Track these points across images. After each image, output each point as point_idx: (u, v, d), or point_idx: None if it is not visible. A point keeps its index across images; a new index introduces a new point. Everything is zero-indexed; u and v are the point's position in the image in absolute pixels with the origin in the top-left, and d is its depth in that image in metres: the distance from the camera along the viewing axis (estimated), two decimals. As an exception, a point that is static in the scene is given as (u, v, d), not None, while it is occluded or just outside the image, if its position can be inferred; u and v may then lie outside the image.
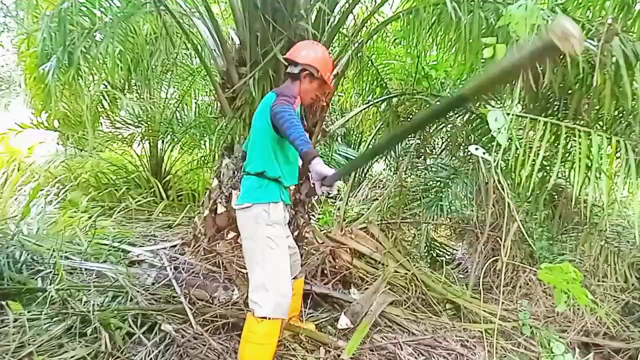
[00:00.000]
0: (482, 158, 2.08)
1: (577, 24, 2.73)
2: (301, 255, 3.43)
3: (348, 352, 2.39)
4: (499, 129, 1.96)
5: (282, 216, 2.19)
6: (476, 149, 2.07)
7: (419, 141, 4.84)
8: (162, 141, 6.58)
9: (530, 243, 3.43)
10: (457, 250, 5.02)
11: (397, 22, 4.19)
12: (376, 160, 4.18)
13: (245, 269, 3.09)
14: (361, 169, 6.10)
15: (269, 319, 1.98)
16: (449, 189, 4.32)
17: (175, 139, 6.55)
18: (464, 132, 4.16)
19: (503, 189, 2.07)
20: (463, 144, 4.27)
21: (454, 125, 4.25)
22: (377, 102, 4.88)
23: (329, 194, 1.98)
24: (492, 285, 3.59)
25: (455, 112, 4.20)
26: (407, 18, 3.70)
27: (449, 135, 4.60)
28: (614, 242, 3.60)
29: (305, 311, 2.91)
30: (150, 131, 6.34)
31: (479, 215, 4.12)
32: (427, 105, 4.36)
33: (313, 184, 1.91)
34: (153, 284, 3.02)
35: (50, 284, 2.75)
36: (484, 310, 3.15)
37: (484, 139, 3.94)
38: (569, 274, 1.90)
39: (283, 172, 2.19)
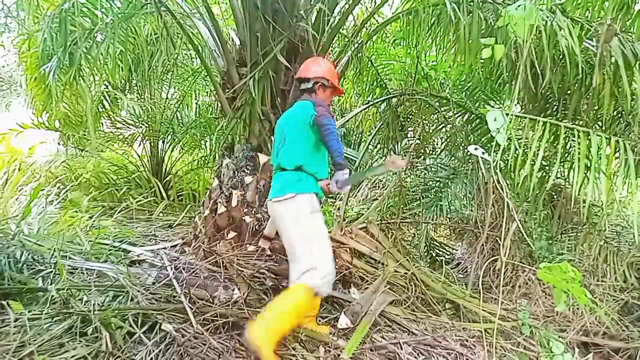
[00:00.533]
0: (481, 158, 2.10)
1: (577, 24, 2.75)
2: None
3: (348, 351, 2.40)
4: (497, 129, 1.97)
5: (319, 206, 2.43)
6: (475, 149, 2.08)
7: (418, 141, 4.85)
8: (163, 141, 6.59)
9: (529, 243, 3.43)
10: (456, 250, 5.03)
11: (396, 22, 4.20)
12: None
13: (245, 268, 3.12)
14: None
15: (316, 293, 2.25)
16: (448, 189, 4.33)
17: (176, 139, 6.56)
18: (463, 132, 4.17)
19: (502, 189, 2.07)
20: (462, 144, 4.27)
21: (454, 125, 4.26)
22: (376, 102, 4.89)
23: (338, 193, 2.40)
24: (492, 285, 3.59)
25: (455, 111, 4.22)
26: (407, 19, 3.71)
27: (448, 135, 4.61)
28: (614, 241, 3.61)
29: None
30: (151, 131, 6.35)
31: (479, 215, 4.13)
32: (427, 106, 4.38)
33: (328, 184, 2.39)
34: (153, 283, 3.02)
35: (51, 284, 2.76)
36: (484, 310, 3.15)
37: (483, 139, 3.95)
38: (568, 274, 1.91)
39: (318, 168, 2.46)
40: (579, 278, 1.89)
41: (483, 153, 2.15)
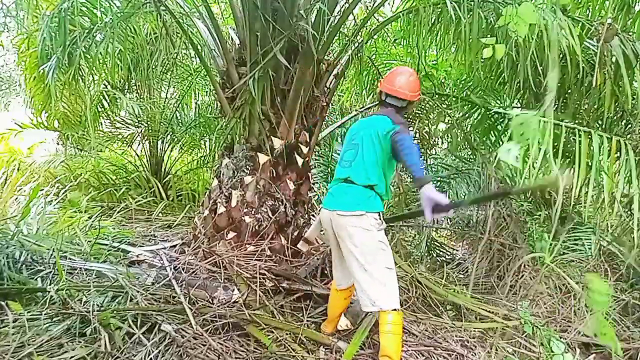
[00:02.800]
0: (509, 163, 2.01)
1: (577, 23, 2.74)
2: (301, 256, 3.44)
3: (348, 355, 2.39)
4: (528, 136, 1.80)
5: (384, 224, 2.40)
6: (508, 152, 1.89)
7: (418, 140, 4.84)
8: (162, 141, 6.59)
9: (530, 243, 3.43)
10: (457, 251, 5.02)
11: (397, 22, 4.19)
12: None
13: (245, 269, 3.11)
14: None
15: (396, 310, 2.25)
16: (450, 189, 4.32)
17: (175, 139, 6.56)
18: (465, 131, 4.17)
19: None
20: (464, 143, 4.27)
21: (457, 124, 4.25)
22: (377, 104, 4.88)
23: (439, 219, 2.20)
24: (493, 285, 3.59)
25: (457, 110, 4.21)
26: (407, 18, 3.70)
27: (450, 134, 4.60)
28: (614, 242, 3.60)
29: (305, 312, 2.90)
30: (150, 131, 6.35)
31: (480, 215, 4.12)
32: (427, 106, 4.37)
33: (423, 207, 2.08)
34: (153, 284, 3.02)
35: (50, 284, 2.75)
36: (485, 310, 3.15)
37: (484, 138, 3.94)
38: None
39: (386, 190, 2.42)
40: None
41: (515, 158, 1.92)
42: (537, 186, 2.60)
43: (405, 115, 2.63)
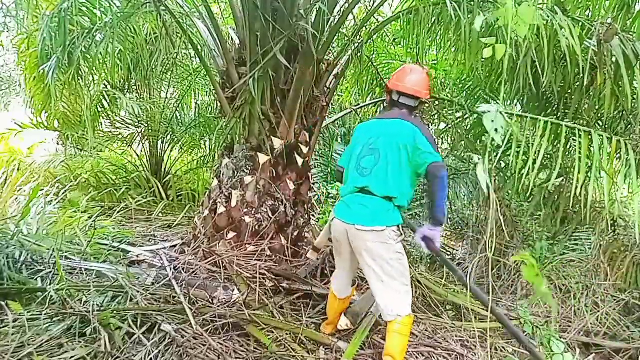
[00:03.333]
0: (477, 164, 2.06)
1: (577, 23, 2.74)
2: (301, 256, 3.44)
3: (348, 356, 2.39)
4: (495, 129, 1.92)
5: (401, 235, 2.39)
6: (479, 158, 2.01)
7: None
8: (162, 141, 6.58)
9: (530, 243, 3.43)
10: (457, 251, 5.02)
11: (396, 22, 4.19)
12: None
13: (245, 269, 3.11)
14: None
15: (409, 314, 2.29)
16: (449, 189, 4.32)
17: (175, 139, 6.56)
18: (462, 132, 4.17)
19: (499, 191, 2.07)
20: (463, 144, 4.26)
21: (454, 126, 4.25)
22: (377, 102, 4.88)
23: (420, 247, 2.35)
24: (493, 285, 3.58)
25: (456, 112, 4.21)
26: (407, 18, 3.70)
27: (449, 135, 4.60)
28: (615, 242, 3.60)
29: (305, 312, 2.90)
30: (150, 131, 6.34)
31: (480, 215, 4.12)
32: (426, 106, 4.36)
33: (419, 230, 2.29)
34: (153, 284, 3.02)
35: (50, 284, 2.75)
36: (484, 310, 3.14)
37: (483, 137, 3.94)
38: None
39: (406, 202, 2.35)
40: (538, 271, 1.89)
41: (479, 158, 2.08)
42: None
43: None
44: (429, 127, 2.40)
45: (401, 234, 2.33)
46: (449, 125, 4.42)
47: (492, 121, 1.98)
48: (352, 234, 2.27)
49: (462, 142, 4.24)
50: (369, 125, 2.51)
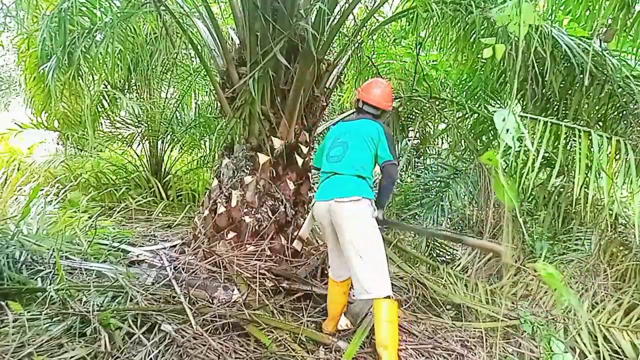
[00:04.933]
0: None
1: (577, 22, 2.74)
2: (301, 256, 3.44)
3: (348, 355, 2.39)
4: (507, 130, 1.90)
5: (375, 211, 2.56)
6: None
7: (418, 141, 4.84)
8: (162, 141, 6.59)
9: (530, 243, 3.42)
10: (457, 250, 5.02)
11: (397, 22, 4.19)
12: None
13: (245, 269, 3.11)
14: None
15: (391, 297, 2.33)
16: (449, 189, 4.32)
17: (175, 139, 6.56)
18: (463, 132, 4.17)
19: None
20: (463, 144, 4.27)
21: (454, 126, 4.25)
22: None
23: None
24: (493, 285, 3.58)
25: (453, 113, 4.22)
26: (407, 18, 3.70)
27: (449, 135, 4.60)
28: (615, 242, 3.60)
29: (305, 312, 2.90)
30: (150, 131, 6.34)
31: (480, 215, 4.12)
32: (428, 107, 4.38)
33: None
34: (153, 284, 3.02)
35: (50, 284, 2.75)
36: (485, 310, 3.15)
37: (483, 137, 3.94)
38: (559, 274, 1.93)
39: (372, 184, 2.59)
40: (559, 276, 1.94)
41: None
42: (484, 246, 2.97)
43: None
44: (391, 131, 2.73)
45: (375, 210, 2.50)
46: (449, 125, 4.42)
47: (503, 120, 1.96)
48: (332, 209, 2.47)
49: (462, 142, 4.24)
50: (337, 126, 2.82)
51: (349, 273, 2.60)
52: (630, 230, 3.61)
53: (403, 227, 3.04)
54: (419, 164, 5.19)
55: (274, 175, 3.42)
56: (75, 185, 5.71)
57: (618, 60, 3.08)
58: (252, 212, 3.35)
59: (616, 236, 3.57)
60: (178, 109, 6.50)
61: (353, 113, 3.30)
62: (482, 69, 3.65)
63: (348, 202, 2.42)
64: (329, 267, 2.81)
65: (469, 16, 2.97)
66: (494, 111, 1.90)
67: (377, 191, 2.57)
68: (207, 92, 6.60)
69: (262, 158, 3.39)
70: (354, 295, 2.99)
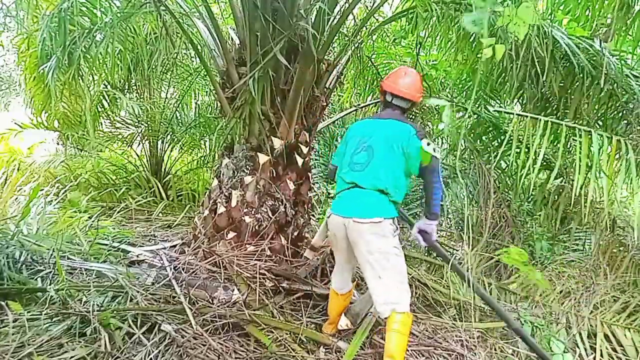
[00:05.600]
0: (433, 155, 2.14)
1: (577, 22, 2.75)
2: (301, 256, 3.44)
3: (348, 356, 2.39)
4: (442, 121, 1.91)
5: (398, 229, 2.40)
6: (428, 144, 2.11)
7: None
8: (162, 141, 6.59)
9: (530, 243, 3.42)
10: (457, 250, 5.02)
11: (397, 22, 4.19)
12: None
13: (245, 269, 3.11)
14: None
15: (408, 312, 2.25)
16: (449, 189, 4.32)
17: (175, 139, 6.56)
18: (463, 131, 4.16)
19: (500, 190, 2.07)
20: (463, 144, 4.27)
21: (454, 126, 4.25)
22: (377, 102, 4.88)
23: (417, 241, 2.45)
24: (493, 285, 3.59)
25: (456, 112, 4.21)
26: (407, 18, 3.70)
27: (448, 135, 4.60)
28: (615, 242, 3.60)
29: (305, 312, 2.91)
30: (150, 131, 6.35)
31: (480, 215, 4.12)
32: (426, 107, 4.37)
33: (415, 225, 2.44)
34: (153, 284, 3.02)
35: (50, 284, 2.75)
36: (484, 309, 3.15)
37: (484, 137, 3.94)
38: (523, 257, 2.06)
39: (401, 197, 2.42)
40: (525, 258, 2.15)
41: (434, 150, 2.22)
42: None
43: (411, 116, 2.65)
44: (424, 128, 2.51)
45: (397, 228, 2.34)
46: (449, 125, 4.41)
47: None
48: (350, 227, 2.30)
49: (462, 142, 4.24)
50: (363, 124, 2.58)
51: (350, 285, 2.62)
52: (630, 230, 3.61)
53: (445, 258, 2.73)
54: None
55: (274, 175, 3.42)
56: (75, 185, 5.71)
57: (618, 59, 3.08)
58: (252, 212, 3.35)
59: (615, 237, 3.57)
60: (178, 109, 6.51)
61: (377, 105, 3.13)
62: (482, 68, 3.65)
63: (368, 223, 2.25)
64: (331, 271, 2.78)
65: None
66: (494, 111, 1.91)
67: (425, 196, 2.37)
68: (207, 92, 6.60)
69: (262, 158, 3.39)
70: (354, 296, 3.00)
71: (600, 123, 3.25)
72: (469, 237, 3.61)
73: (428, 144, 2.20)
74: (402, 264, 2.31)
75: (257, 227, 3.33)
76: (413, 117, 4.77)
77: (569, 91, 3.23)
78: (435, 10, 2.94)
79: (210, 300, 2.86)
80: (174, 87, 6.69)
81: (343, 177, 2.44)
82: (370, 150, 2.37)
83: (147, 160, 6.65)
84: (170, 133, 6.43)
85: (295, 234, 3.48)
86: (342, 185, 2.44)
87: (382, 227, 2.26)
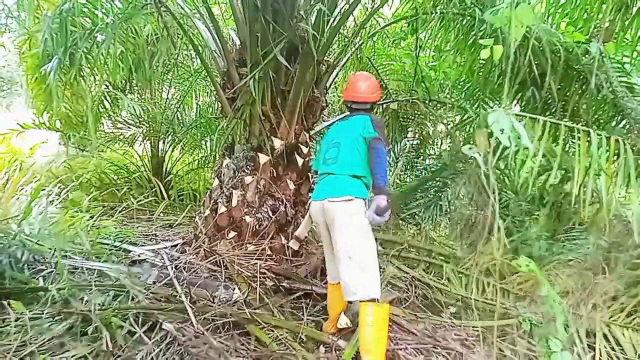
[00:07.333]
0: (476, 158, 2.11)
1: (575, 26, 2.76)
2: (301, 255, 3.46)
3: (347, 356, 2.40)
4: (501, 130, 1.95)
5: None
6: (470, 149, 2.09)
7: (418, 141, 4.84)
8: (163, 141, 6.61)
9: (529, 243, 3.43)
10: (456, 250, 5.02)
11: (396, 23, 4.20)
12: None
13: (246, 268, 3.13)
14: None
15: (378, 301, 2.26)
16: (448, 189, 4.33)
17: (176, 139, 6.58)
18: (461, 132, 4.18)
19: (495, 190, 2.08)
20: (461, 145, 4.27)
21: (451, 128, 4.27)
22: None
23: (377, 222, 2.30)
24: (492, 285, 3.59)
25: (452, 115, 4.24)
26: (407, 20, 3.71)
27: (448, 135, 4.61)
28: (613, 242, 3.60)
29: (305, 310, 2.92)
30: (152, 131, 6.37)
31: (479, 215, 4.12)
32: (423, 111, 4.39)
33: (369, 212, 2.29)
34: (154, 283, 3.03)
35: (51, 284, 2.76)
36: (485, 308, 3.16)
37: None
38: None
39: (369, 180, 2.51)
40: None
41: (476, 152, 2.16)
42: None
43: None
44: (381, 121, 2.62)
45: (366, 209, 2.40)
46: (450, 126, 4.44)
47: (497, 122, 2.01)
48: (325, 209, 2.46)
49: (461, 143, 4.25)
50: (333, 128, 2.81)
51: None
52: (629, 230, 3.61)
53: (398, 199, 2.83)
54: (417, 165, 5.20)
55: (274, 175, 3.44)
56: (77, 185, 5.72)
57: (616, 62, 3.09)
58: (253, 212, 3.36)
59: (614, 236, 3.57)
60: (179, 109, 6.52)
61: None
62: (481, 70, 3.66)
63: (340, 201, 2.40)
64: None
65: (469, 18, 2.98)
66: (489, 112, 1.92)
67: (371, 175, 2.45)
68: (208, 92, 6.62)
69: (263, 158, 3.41)
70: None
71: (598, 124, 3.26)
72: (468, 237, 3.61)
73: (469, 149, 2.17)
74: (372, 249, 2.38)
75: (257, 227, 3.35)
76: (412, 118, 4.79)
77: (567, 93, 3.24)
78: (435, 13, 2.95)
79: (211, 299, 2.87)
80: (175, 88, 6.71)
81: (320, 171, 2.68)
82: (338, 145, 2.59)
83: (148, 161, 6.67)
84: (172, 133, 6.45)
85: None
86: (318, 178, 2.68)
87: (353, 205, 2.39)
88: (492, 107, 4.04)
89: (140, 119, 6.29)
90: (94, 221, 4.16)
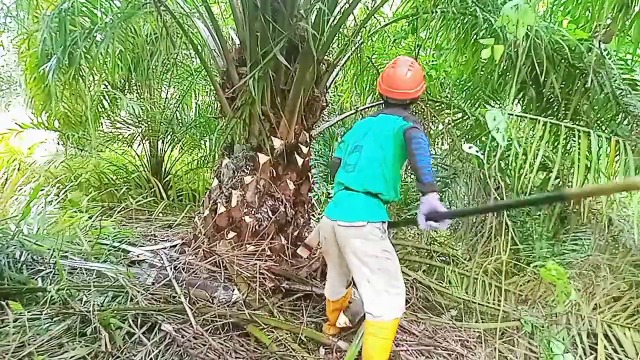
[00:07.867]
0: (476, 157, 2.10)
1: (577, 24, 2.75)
2: (301, 256, 3.45)
3: (349, 358, 2.38)
4: (497, 128, 1.96)
5: (387, 231, 2.28)
6: (469, 147, 2.08)
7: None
8: (163, 141, 6.60)
9: (530, 243, 3.42)
10: (456, 250, 5.02)
11: (397, 22, 4.20)
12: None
13: (245, 269, 3.11)
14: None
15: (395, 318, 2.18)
16: (449, 189, 4.32)
17: (176, 139, 6.57)
18: (461, 133, 4.18)
19: (499, 190, 2.08)
20: (462, 145, 4.27)
21: (453, 127, 4.26)
22: (377, 104, 4.89)
23: (433, 229, 2.00)
24: (493, 285, 3.59)
25: (451, 116, 4.23)
26: (408, 19, 3.71)
27: (448, 135, 4.60)
28: (614, 242, 3.60)
29: (305, 311, 2.91)
30: (151, 131, 6.36)
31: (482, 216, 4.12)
32: (422, 110, 4.38)
33: (417, 214, 1.96)
34: (153, 283, 3.02)
35: (50, 284, 2.75)
36: (485, 307, 3.15)
37: (482, 137, 3.94)
38: (565, 274, 1.95)
39: (396, 193, 2.30)
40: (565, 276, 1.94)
41: (477, 151, 2.15)
42: None
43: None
44: (419, 120, 2.33)
45: (385, 231, 2.23)
46: (449, 125, 4.43)
47: (494, 120, 2.00)
48: (337, 231, 2.25)
49: (462, 143, 4.24)
50: (360, 124, 2.50)
51: (341, 292, 2.57)
52: (630, 230, 3.61)
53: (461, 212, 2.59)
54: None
55: (274, 175, 3.43)
56: (76, 185, 5.71)
57: (618, 60, 3.09)
58: (252, 212, 3.35)
59: (615, 237, 3.57)
60: (178, 109, 6.52)
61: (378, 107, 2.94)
62: (482, 69, 3.65)
63: (351, 227, 2.18)
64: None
65: (470, 17, 2.98)
66: (486, 110, 1.91)
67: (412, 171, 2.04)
68: (207, 92, 6.61)
69: (262, 158, 3.40)
70: (354, 296, 3.00)
71: (599, 123, 3.25)
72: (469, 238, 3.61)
73: (470, 147, 2.12)
74: (395, 268, 2.22)
75: (257, 227, 3.33)
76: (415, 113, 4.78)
77: (569, 92, 3.24)
78: (436, 12, 2.94)
79: (210, 300, 2.86)
80: (174, 87, 6.70)
81: (337, 177, 2.41)
82: (360, 149, 2.30)
83: (147, 160, 6.66)
84: (171, 133, 6.44)
85: (296, 234, 3.49)
86: (336, 187, 2.41)
87: (365, 231, 2.16)
88: (493, 107, 4.04)
89: (139, 119, 6.28)
90: (93, 221, 4.15)
